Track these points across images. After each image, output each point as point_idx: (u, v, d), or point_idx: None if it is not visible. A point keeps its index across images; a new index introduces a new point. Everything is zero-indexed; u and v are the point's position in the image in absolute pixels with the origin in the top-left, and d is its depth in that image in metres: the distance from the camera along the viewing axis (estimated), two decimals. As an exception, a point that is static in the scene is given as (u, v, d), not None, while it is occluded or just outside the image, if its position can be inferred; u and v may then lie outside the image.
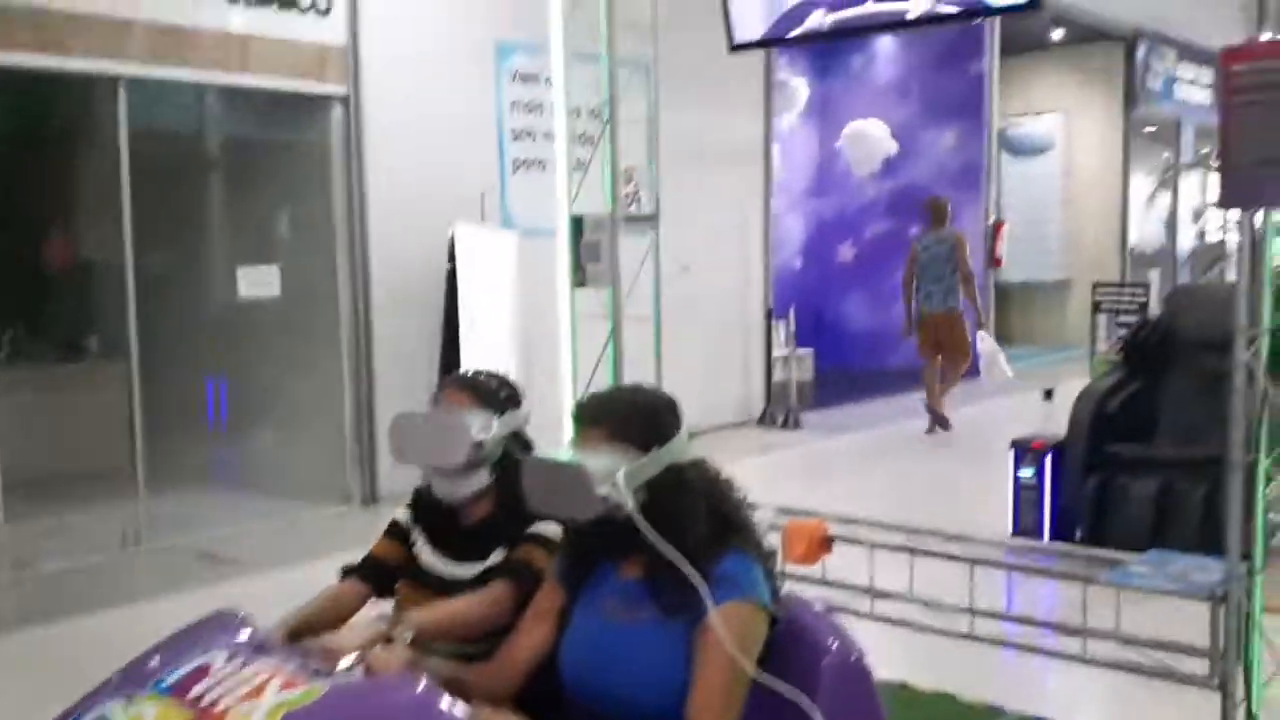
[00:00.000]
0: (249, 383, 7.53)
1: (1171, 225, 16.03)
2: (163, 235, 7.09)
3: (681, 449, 2.06)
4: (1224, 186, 3.16)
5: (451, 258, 6.90)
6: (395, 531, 2.52)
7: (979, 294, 9.39)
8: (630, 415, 2.07)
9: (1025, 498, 5.58)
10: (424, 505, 2.50)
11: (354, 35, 6.84)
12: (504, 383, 2.51)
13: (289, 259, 7.22)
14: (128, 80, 6.09)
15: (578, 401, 2.19)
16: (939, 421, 8.96)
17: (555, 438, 2.79)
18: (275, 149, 7.47)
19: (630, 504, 1.94)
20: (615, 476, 1.94)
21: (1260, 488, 3.19)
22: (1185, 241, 16.35)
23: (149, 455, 6.31)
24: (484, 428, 2.37)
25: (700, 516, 2.01)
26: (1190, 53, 15.48)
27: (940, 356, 8.96)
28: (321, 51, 6.76)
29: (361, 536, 2.69)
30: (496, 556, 2.35)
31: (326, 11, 6.72)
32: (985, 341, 9.30)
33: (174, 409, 7.11)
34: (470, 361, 6.63)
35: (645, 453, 2.00)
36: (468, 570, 2.37)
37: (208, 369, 7.69)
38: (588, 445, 2.04)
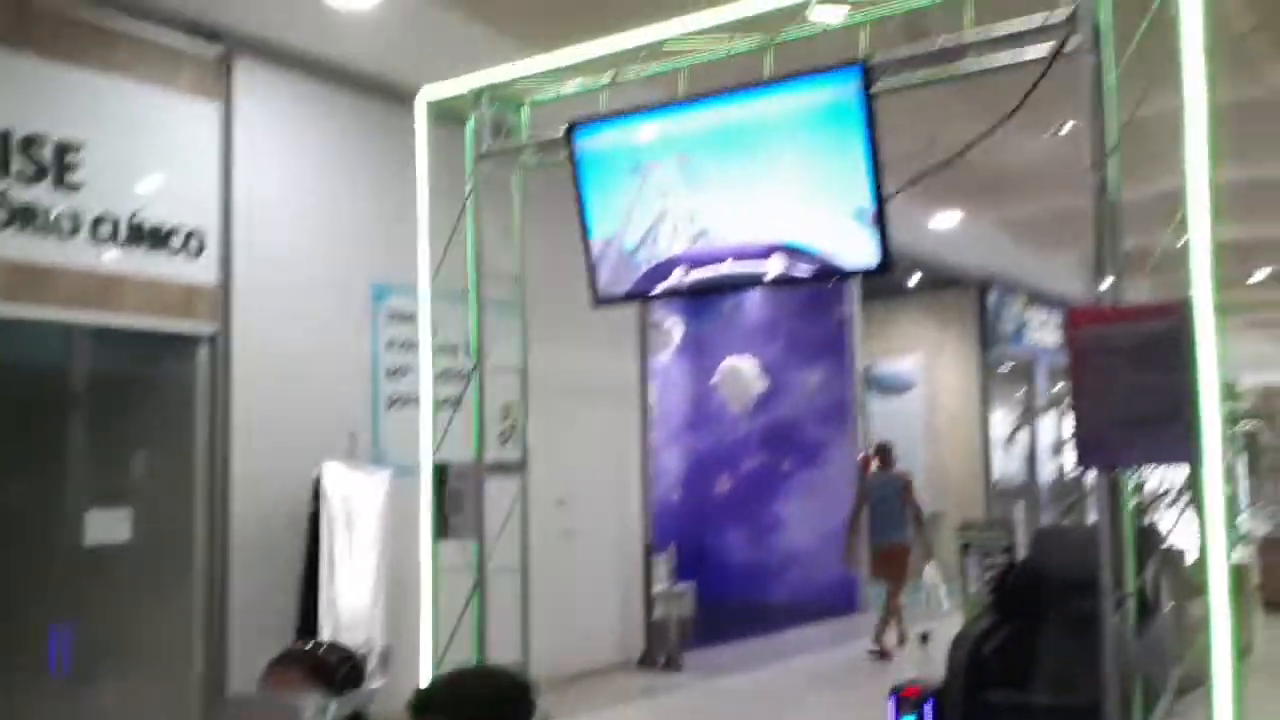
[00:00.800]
0: (96, 630, 7.02)
1: (1032, 461, 16.66)
2: (12, 476, 6.71)
3: None
4: (1079, 448, 3.25)
5: (315, 499, 6.69)
6: None
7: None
8: (474, 710, 1.91)
9: (907, 747, 5.43)
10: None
11: (226, 275, 6.79)
12: (345, 658, 2.34)
13: (145, 501, 6.88)
14: (-17, 318, 5.88)
15: (417, 690, 2.01)
16: (883, 654, 9.39)
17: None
18: (138, 387, 7.23)
19: None
20: None
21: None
22: (1046, 476, 16.96)
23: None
24: (320, 710, 2.19)
25: None
26: (1039, 298, 16.60)
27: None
28: (191, 291, 6.67)
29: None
30: None
31: (199, 253, 6.68)
32: (931, 573, 10.07)
33: (17, 657, 6.55)
34: (328, 609, 6.30)
35: None
36: None
37: (53, 615, 7.16)
38: None
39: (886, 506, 9.85)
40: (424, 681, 4.94)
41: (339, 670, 2.29)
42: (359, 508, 6.77)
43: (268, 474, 6.83)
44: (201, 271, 6.71)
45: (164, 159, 6.57)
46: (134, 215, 6.38)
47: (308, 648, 2.41)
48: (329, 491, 6.64)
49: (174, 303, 6.60)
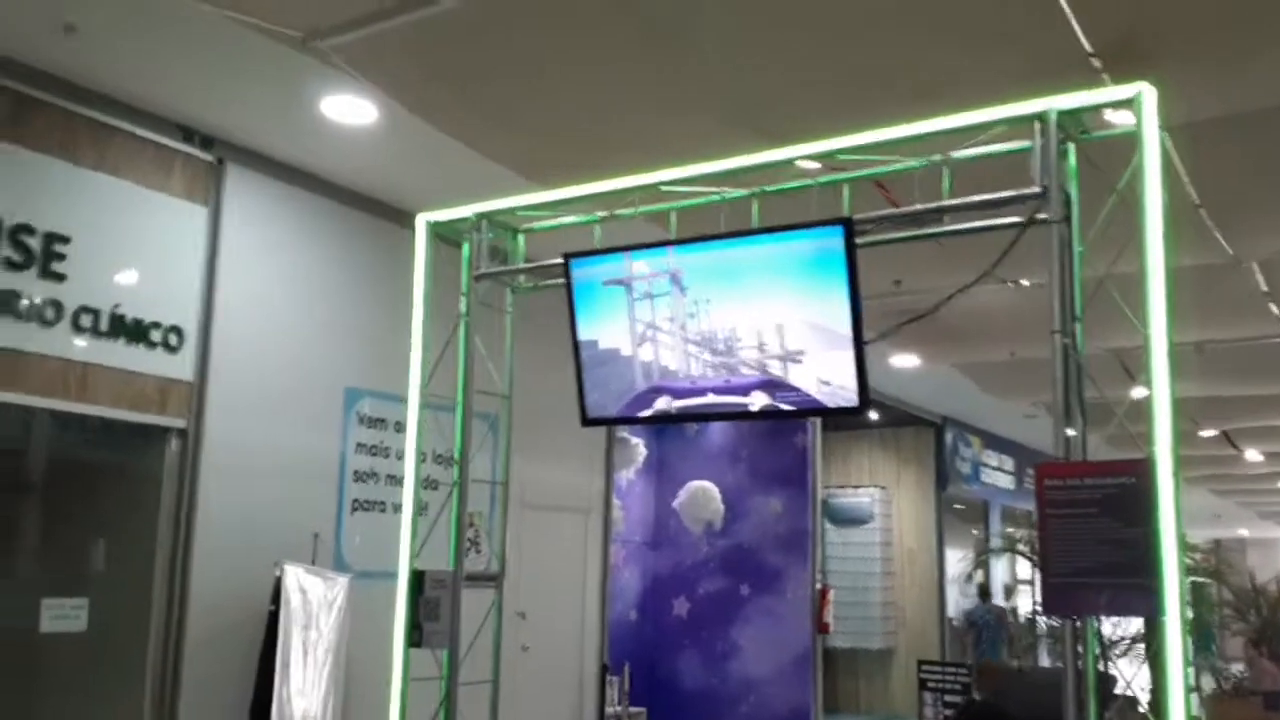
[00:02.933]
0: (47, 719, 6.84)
1: (987, 601, 16.74)
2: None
3: None
4: (1046, 596, 3.36)
5: (275, 598, 6.63)
6: None
7: None
8: None
9: None
10: None
11: (202, 372, 6.84)
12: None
13: (102, 591, 6.78)
14: (-45, 401, 5.87)
15: None
16: None
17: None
18: (103, 476, 7.19)
19: None
20: None
21: None
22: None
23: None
24: None
25: None
26: (994, 441, 16.94)
27: None
28: (165, 385, 6.70)
29: None
30: None
31: (176, 348, 6.74)
32: None
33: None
34: (284, 710, 6.19)
35: None
36: None
37: (2, 703, 6.96)
38: None
39: (990, 632, 11.52)
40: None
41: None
42: (318, 609, 6.72)
43: (229, 570, 6.77)
44: (178, 366, 6.76)
45: (150, 256, 6.67)
46: (116, 308, 6.45)
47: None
48: (289, 592, 6.60)
49: (148, 395, 6.63)
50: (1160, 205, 3.83)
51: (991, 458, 17.03)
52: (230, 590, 6.79)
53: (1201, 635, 14.40)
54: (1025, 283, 7.98)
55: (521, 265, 5.75)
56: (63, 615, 6.47)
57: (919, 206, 4.53)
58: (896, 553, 15.39)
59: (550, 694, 9.12)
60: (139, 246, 6.62)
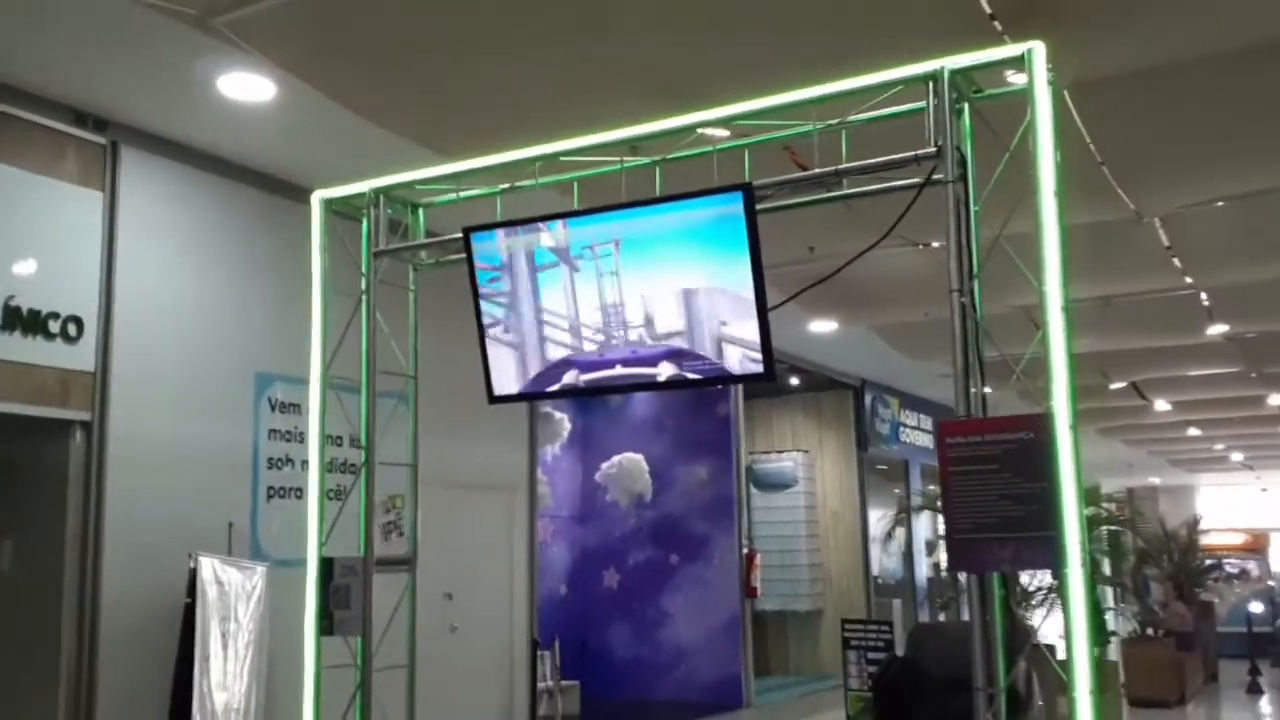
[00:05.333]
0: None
1: (909, 558, 17.07)
2: None
3: None
4: (951, 553, 3.41)
5: (191, 591, 6.50)
6: None
7: None
8: None
9: None
10: None
11: (104, 361, 6.65)
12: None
13: (8, 591, 6.59)
14: None
15: None
16: None
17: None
18: (5, 473, 6.98)
19: None
20: None
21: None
22: (923, 572, 17.37)
23: None
24: None
25: None
26: (911, 401, 17.22)
27: None
28: (66, 376, 6.50)
29: None
30: None
31: (75, 339, 6.53)
32: None
33: None
34: (204, 704, 6.09)
35: None
36: None
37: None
38: None
39: None
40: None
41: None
42: (235, 600, 6.60)
43: (142, 564, 6.62)
44: (78, 357, 6.56)
45: (44, 244, 6.45)
46: (10, 299, 6.24)
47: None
48: (205, 584, 6.47)
49: (49, 389, 6.43)
50: (1052, 162, 3.87)
51: (910, 418, 17.33)
52: (144, 585, 6.64)
53: (1136, 583, 14.86)
54: (935, 244, 8.08)
55: (421, 241, 5.66)
56: (-32, 617, 6.29)
57: (818, 170, 4.53)
58: (821, 515, 15.60)
59: (481, 673, 9.10)
60: (32, 235, 6.40)
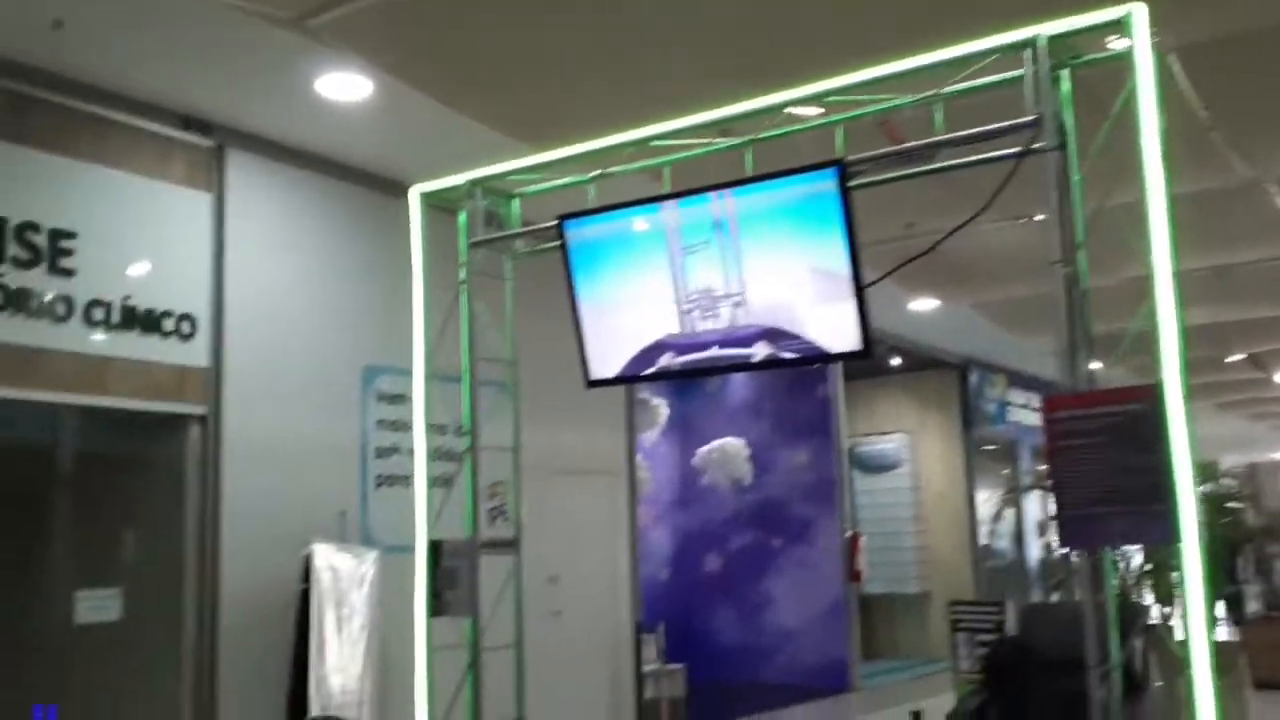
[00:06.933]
0: (82, 711, 6.95)
1: (1019, 539, 16.70)
2: (3, 555, 6.71)
3: None
4: (1061, 529, 3.33)
5: (305, 578, 6.70)
6: None
7: None
8: None
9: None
10: None
11: (217, 358, 6.88)
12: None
13: (134, 580, 6.87)
14: (-26, 400, 5.94)
15: None
16: None
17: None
18: (127, 467, 7.27)
19: None
20: None
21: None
22: (1034, 553, 17.00)
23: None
24: None
25: None
26: (1019, 379, 16.81)
27: None
28: (182, 373, 6.74)
29: None
30: None
31: (190, 336, 6.77)
32: None
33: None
34: (321, 687, 6.27)
35: None
36: None
37: (37, 696, 7.08)
38: None
39: None
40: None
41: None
42: (348, 586, 6.78)
43: (258, 553, 6.84)
44: (193, 354, 6.79)
45: (157, 246, 6.69)
46: (126, 299, 6.48)
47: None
48: (319, 570, 6.66)
49: (165, 385, 6.67)
50: (1156, 128, 3.75)
51: (1018, 396, 16.92)
52: (261, 572, 6.86)
53: (1260, 562, 14.30)
54: (1038, 217, 7.89)
55: (517, 230, 5.73)
56: (96, 606, 6.57)
57: (913, 144, 4.46)
58: (926, 496, 15.37)
59: (586, 656, 9.19)
60: (145, 237, 6.64)
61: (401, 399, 7.82)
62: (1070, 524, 3.43)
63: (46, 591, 7.43)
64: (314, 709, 6.32)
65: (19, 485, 7.30)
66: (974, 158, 4.47)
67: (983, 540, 15.51)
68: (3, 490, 6.71)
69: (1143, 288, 3.80)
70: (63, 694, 6.99)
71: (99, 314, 6.35)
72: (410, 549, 5.48)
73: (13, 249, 6.03)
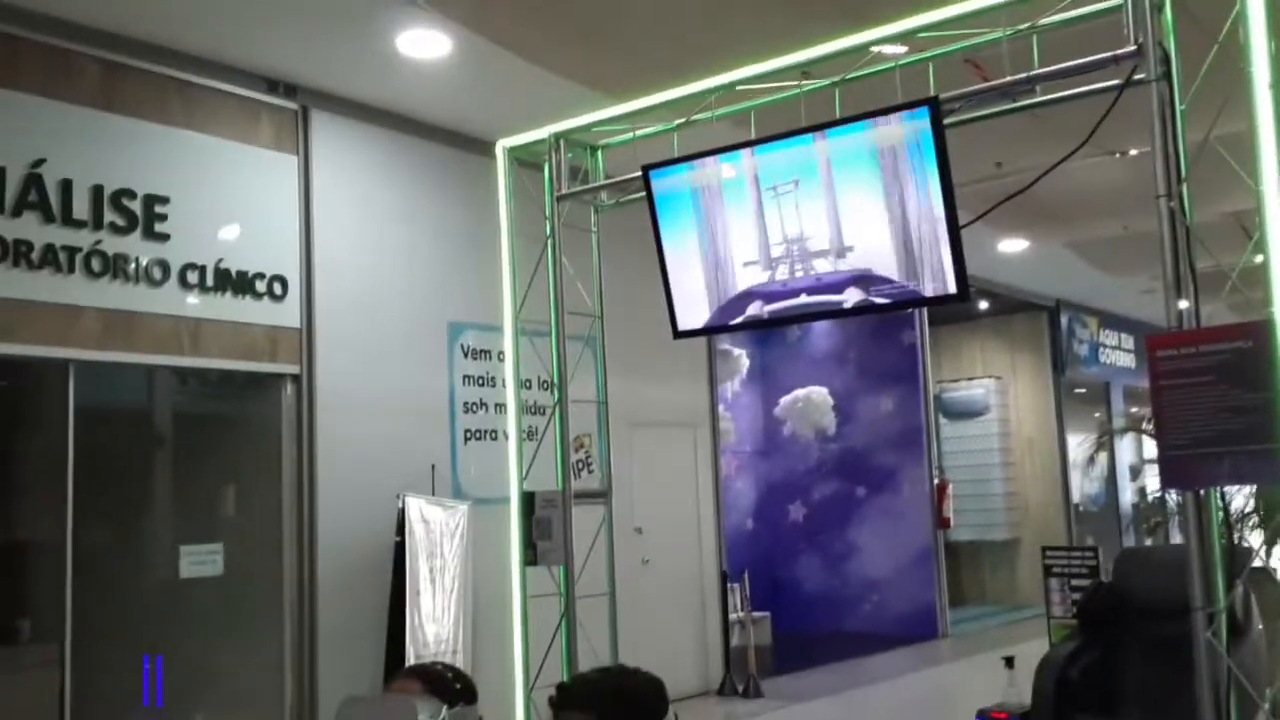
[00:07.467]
0: (188, 662, 7.22)
1: (1112, 483, 16.37)
2: (105, 514, 6.96)
3: None
4: (1163, 469, 3.25)
5: (400, 531, 6.84)
6: None
7: None
8: (618, 700, 1.99)
9: (996, 772, 5.42)
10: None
11: (308, 318, 7.01)
12: (459, 675, 2.46)
13: (234, 536, 7.08)
14: (77, 364, 6.14)
15: (562, 684, 2.12)
16: None
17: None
18: (224, 426, 7.47)
19: None
20: None
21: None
22: (1127, 498, 16.67)
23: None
24: (433, 715, 2.29)
25: None
26: (1112, 320, 16.39)
27: None
28: (274, 333, 6.89)
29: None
30: None
31: (282, 295, 6.90)
32: None
33: (108, 690, 6.75)
34: (416, 636, 6.43)
35: None
36: None
37: (145, 649, 7.37)
38: None
39: None
40: (517, 704, 5.06)
41: (454, 685, 2.41)
42: (441, 537, 6.92)
43: (353, 507, 7.00)
44: (284, 314, 6.93)
45: (246, 209, 6.82)
46: (219, 262, 6.63)
47: (424, 664, 2.53)
48: (412, 523, 6.80)
49: (259, 345, 6.83)
50: (1266, 54, 3.58)
51: (1110, 337, 16.51)
52: (356, 526, 7.02)
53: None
54: (1134, 152, 7.64)
55: (601, 182, 5.70)
56: (200, 560, 6.79)
57: (1009, 78, 4.32)
58: (1015, 442, 15.13)
59: (673, 604, 9.28)
60: (235, 200, 6.77)
61: (486, 354, 7.91)
62: (1173, 463, 3.34)
63: (153, 548, 7.70)
64: (410, 658, 6.48)
65: (125, 446, 7.55)
66: (1072, 91, 4.32)
67: (1074, 485, 15.23)
68: (110, 452, 6.94)
69: (1242, 222, 3.66)
70: (170, 645, 7.27)
71: (193, 277, 6.51)
72: (498, 501, 5.56)
73: (110, 215, 6.19)
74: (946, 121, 4.36)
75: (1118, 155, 7.77)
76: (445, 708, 2.34)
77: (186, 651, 7.20)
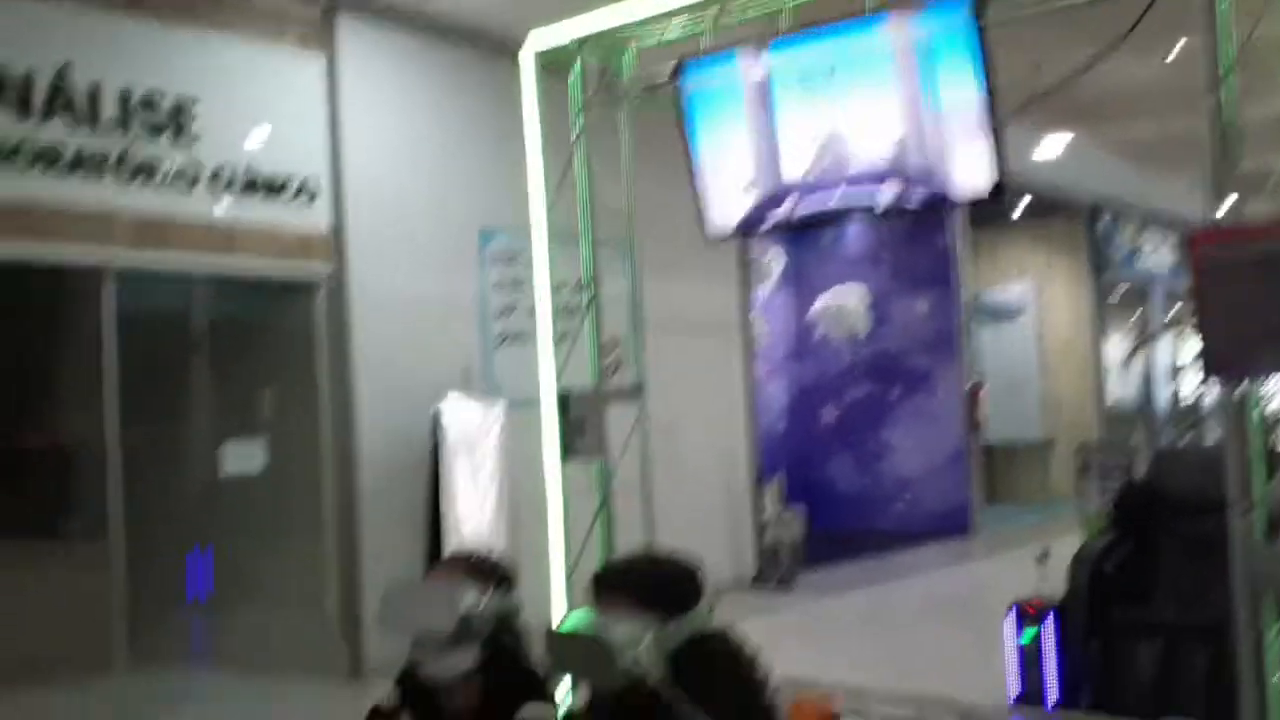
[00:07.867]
0: (232, 558, 7.41)
1: (1148, 386, 16.26)
2: (147, 416, 7.09)
3: (704, 619, 1.98)
4: (1206, 361, 3.21)
5: (435, 431, 6.92)
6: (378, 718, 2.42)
7: None
8: (654, 583, 2.01)
9: (1028, 662, 5.49)
10: (409, 689, 2.42)
11: (339, 221, 7.00)
12: (500, 562, 2.51)
13: (275, 437, 7.20)
14: (115, 270, 6.18)
15: (599, 568, 2.14)
16: None
17: (541, 613, 2.75)
18: (261, 329, 7.54)
19: (656, 674, 1.85)
20: (641, 646, 1.85)
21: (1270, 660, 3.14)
22: (1162, 399, 16.57)
23: (130, 634, 6.15)
24: (476, 600, 2.33)
25: (725, 692, 1.89)
26: (1152, 220, 16.07)
27: None
28: (306, 237, 6.89)
29: (345, 714, 2.60)
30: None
31: (312, 199, 6.88)
32: None
33: (156, 586, 6.97)
34: (454, 531, 6.55)
35: (667, 622, 1.91)
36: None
37: (191, 545, 7.57)
38: (608, 613, 1.94)
39: None
40: (555, 597, 5.17)
41: (496, 571, 2.45)
42: (478, 436, 6.98)
43: (389, 408, 7.07)
44: (315, 218, 6.93)
45: (274, 112, 6.78)
46: (249, 166, 6.61)
47: (467, 551, 2.59)
48: (448, 423, 6.86)
49: (290, 248, 6.84)
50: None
51: (1150, 239, 16.22)
52: (394, 426, 7.09)
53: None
54: (1175, 51, 7.43)
55: (631, 83, 5.59)
56: (242, 457, 6.90)
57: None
58: (1051, 344, 15.02)
59: (706, 503, 9.35)
60: (263, 103, 6.73)
61: (517, 259, 7.88)
62: (1215, 356, 3.30)
63: (195, 448, 7.87)
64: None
65: (165, 352, 7.66)
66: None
67: (1110, 386, 15.13)
68: (150, 357, 7.04)
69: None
70: (215, 542, 7.47)
71: (223, 181, 6.50)
72: (531, 403, 5.59)
73: (138, 120, 6.16)
74: (987, 20, 4.22)
75: (1159, 56, 7.56)
76: (488, 591, 2.38)
77: (231, 545, 7.38)
